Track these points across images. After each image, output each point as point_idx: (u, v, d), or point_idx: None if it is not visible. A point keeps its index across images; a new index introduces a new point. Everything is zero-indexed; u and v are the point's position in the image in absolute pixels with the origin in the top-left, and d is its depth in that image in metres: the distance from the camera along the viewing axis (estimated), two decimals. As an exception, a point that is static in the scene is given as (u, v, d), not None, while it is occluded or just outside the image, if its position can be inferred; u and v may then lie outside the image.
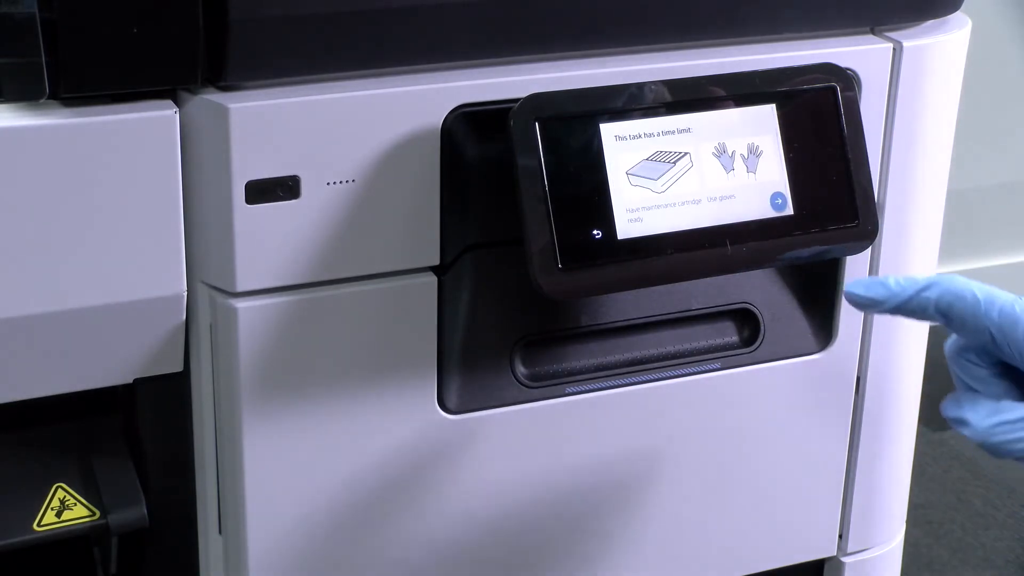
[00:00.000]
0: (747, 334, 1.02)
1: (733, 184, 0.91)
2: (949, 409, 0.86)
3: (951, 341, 0.87)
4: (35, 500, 0.90)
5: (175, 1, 0.81)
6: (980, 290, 0.84)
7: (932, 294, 0.85)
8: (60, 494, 0.91)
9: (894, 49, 0.99)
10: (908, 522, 1.19)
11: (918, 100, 1.01)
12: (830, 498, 1.10)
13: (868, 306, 0.87)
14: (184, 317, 0.88)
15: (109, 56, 0.81)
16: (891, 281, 0.86)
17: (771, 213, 0.91)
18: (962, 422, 0.85)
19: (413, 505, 0.96)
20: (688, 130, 0.90)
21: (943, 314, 0.84)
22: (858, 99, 0.95)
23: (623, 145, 0.89)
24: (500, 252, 0.92)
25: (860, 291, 0.87)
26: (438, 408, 0.94)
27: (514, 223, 0.87)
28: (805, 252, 0.92)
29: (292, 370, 0.89)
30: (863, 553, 1.13)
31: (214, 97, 0.84)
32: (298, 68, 0.85)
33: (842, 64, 0.95)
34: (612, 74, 0.91)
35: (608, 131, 0.88)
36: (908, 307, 0.86)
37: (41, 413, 0.92)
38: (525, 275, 0.87)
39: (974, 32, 1.05)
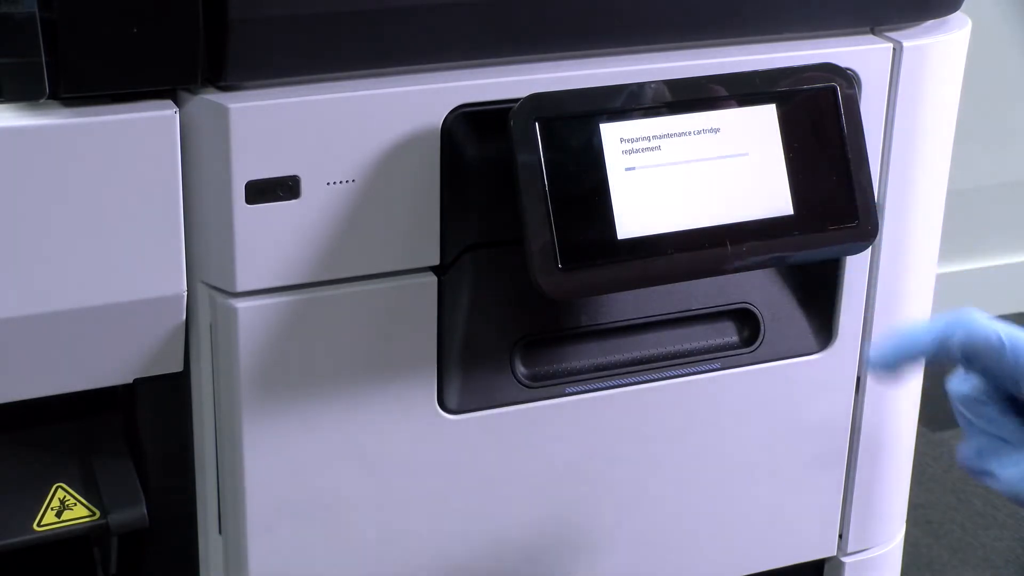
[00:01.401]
0: (747, 334, 1.02)
1: (733, 184, 0.91)
2: (972, 461, 0.80)
3: (955, 379, 0.81)
4: (35, 500, 0.90)
5: (175, 1, 0.81)
6: (1005, 333, 0.77)
7: (955, 341, 0.78)
8: (60, 494, 0.91)
9: (894, 49, 0.99)
10: (908, 522, 1.19)
11: (918, 100, 1.01)
12: (830, 498, 1.10)
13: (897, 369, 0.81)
14: (184, 317, 0.88)
15: (109, 56, 0.81)
16: (910, 336, 0.79)
17: (771, 213, 0.91)
18: (989, 475, 0.79)
19: (413, 505, 0.96)
20: (688, 130, 0.90)
21: (967, 359, 0.78)
22: (858, 99, 0.95)
23: (623, 145, 0.89)
24: (500, 252, 0.92)
25: (885, 363, 0.81)
26: (438, 408, 0.94)
27: (514, 223, 0.87)
28: (805, 252, 0.92)
29: (292, 370, 0.89)
30: (863, 553, 1.13)
31: (214, 97, 0.84)
32: (298, 68, 0.85)
33: (842, 64, 0.95)
34: (612, 74, 0.91)
35: (608, 131, 0.88)
36: (934, 359, 0.79)
37: (41, 413, 0.92)
38: (525, 275, 0.87)
39: (974, 32, 1.05)
